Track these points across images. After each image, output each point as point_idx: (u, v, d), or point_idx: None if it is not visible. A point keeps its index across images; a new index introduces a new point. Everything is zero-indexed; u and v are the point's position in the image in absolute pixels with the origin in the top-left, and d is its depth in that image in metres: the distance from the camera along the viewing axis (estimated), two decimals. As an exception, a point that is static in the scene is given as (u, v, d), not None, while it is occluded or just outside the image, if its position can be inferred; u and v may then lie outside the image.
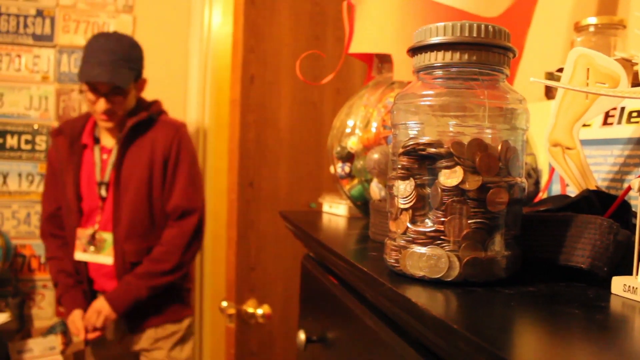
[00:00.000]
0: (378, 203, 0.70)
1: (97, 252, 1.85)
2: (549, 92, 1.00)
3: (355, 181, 0.89)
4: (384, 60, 0.94)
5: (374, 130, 0.85)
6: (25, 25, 2.50)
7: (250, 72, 1.52)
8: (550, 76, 0.95)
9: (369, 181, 0.86)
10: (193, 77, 2.65)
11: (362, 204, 0.91)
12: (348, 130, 0.90)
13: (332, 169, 0.95)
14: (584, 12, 1.16)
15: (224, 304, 1.64)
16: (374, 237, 0.72)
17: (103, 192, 1.85)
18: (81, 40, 2.48)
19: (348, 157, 0.89)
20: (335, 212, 1.04)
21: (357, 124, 0.88)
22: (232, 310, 1.59)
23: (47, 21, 2.54)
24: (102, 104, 1.78)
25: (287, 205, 1.61)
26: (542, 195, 0.79)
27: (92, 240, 1.85)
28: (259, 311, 1.57)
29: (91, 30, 2.55)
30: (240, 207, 1.59)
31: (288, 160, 1.61)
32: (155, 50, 2.55)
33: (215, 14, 2.67)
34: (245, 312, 1.58)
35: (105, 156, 1.88)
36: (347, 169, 0.89)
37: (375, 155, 0.81)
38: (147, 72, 2.61)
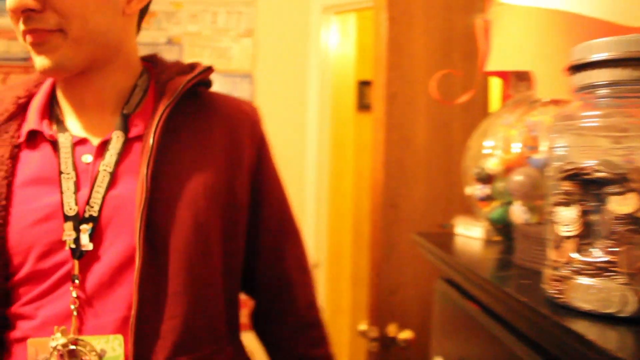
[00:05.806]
0: (526, 227, 0.67)
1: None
2: None
3: (496, 203, 0.86)
4: (522, 77, 0.90)
5: (516, 151, 0.82)
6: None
7: (393, 90, 1.51)
8: None
9: (510, 203, 0.83)
10: (312, 93, 2.75)
11: (502, 227, 0.87)
12: (486, 151, 0.87)
13: (468, 191, 0.93)
14: None
15: (362, 327, 1.62)
16: (520, 263, 0.69)
17: (84, 240, 0.80)
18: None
19: (487, 179, 0.86)
20: (471, 234, 1.01)
21: (496, 145, 0.85)
22: (374, 334, 1.58)
23: (176, 48, 2.74)
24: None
25: (423, 227, 1.58)
26: None
27: None
28: (401, 336, 1.55)
29: (215, 55, 2.72)
30: (384, 229, 1.58)
31: (424, 180, 1.58)
32: (274, 70, 2.68)
33: (333, 33, 2.77)
34: (387, 337, 1.56)
35: (89, 159, 0.85)
36: (487, 190, 0.86)
37: (518, 177, 0.78)
38: (268, 92, 2.73)
